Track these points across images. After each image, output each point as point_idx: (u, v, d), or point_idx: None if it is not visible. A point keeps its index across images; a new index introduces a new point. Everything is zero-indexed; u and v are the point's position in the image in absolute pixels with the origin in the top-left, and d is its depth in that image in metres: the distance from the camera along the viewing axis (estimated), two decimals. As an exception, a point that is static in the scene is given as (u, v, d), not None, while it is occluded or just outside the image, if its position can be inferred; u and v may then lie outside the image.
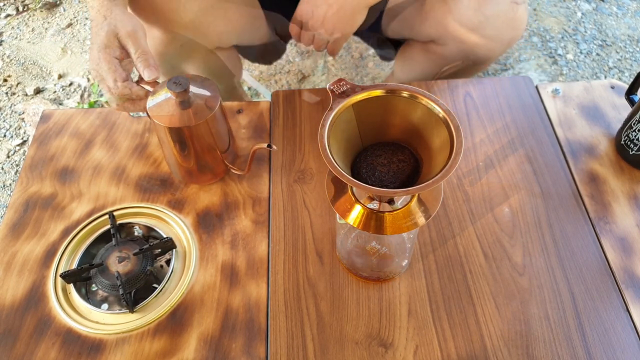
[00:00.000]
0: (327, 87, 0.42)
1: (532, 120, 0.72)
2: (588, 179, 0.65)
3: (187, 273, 0.58)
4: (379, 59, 1.09)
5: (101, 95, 1.44)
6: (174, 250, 0.59)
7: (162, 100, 0.57)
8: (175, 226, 0.62)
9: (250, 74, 1.39)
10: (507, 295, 0.55)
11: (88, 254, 0.59)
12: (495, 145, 0.69)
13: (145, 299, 0.55)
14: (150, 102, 0.57)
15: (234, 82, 1.10)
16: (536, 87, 0.76)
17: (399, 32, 0.93)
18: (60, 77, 1.49)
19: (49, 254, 0.60)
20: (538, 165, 0.67)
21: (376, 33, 0.97)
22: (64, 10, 1.67)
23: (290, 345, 0.52)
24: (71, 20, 1.64)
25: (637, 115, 0.63)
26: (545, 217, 0.62)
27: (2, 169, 1.29)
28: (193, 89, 0.57)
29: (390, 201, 0.44)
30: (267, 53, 1.09)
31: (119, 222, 0.62)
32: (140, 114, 0.63)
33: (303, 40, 0.78)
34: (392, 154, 0.44)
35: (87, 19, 1.64)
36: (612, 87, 0.76)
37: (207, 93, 0.58)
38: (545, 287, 0.56)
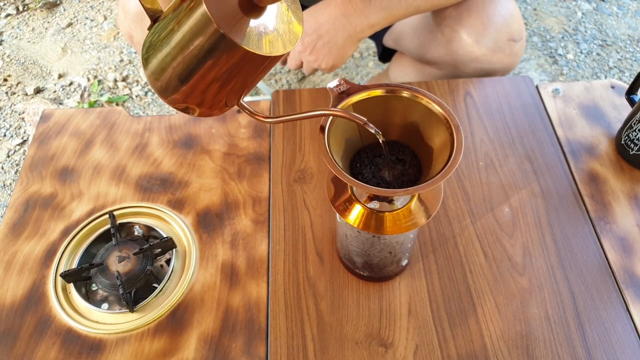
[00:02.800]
0: (327, 86, 0.42)
1: (532, 120, 0.72)
2: (588, 179, 0.65)
3: (187, 273, 0.58)
4: (378, 59, 1.09)
5: (101, 95, 1.44)
6: (174, 250, 0.59)
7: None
8: (175, 226, 0.62)
9: None
10: (507, 295, 0.55)
11: (88, 254, 0.59)
12: (495, 145, 0.69)
13: (145, 298, 0.55)
14: None
15: None
16: (536, 87, 0.76)
17: (396, 47, 0.93)
18: (60, 76, 1.49)
19: (49, 254, 0.60)
20: (538, 165, 0.67)
21: (377, 38, 0.97)
22: (64, 10, 1.67)
23: (290, 345, 0.52)
24: (71, 19, 1.64)
25: (638, 115, 0.63)
26: (546, 217, 0.62)
27: (2, 168, 1.30)
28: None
29: (390, 201, 0.44)
30: None
31: (119, 221, 0.62)
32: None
33: (289, 64, 0.76)
34: (392, 153, 0.44)
35: (87, 18, 1.64)
36: (613, 87, 0.76)
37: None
38: (545, 287, 0.56)
